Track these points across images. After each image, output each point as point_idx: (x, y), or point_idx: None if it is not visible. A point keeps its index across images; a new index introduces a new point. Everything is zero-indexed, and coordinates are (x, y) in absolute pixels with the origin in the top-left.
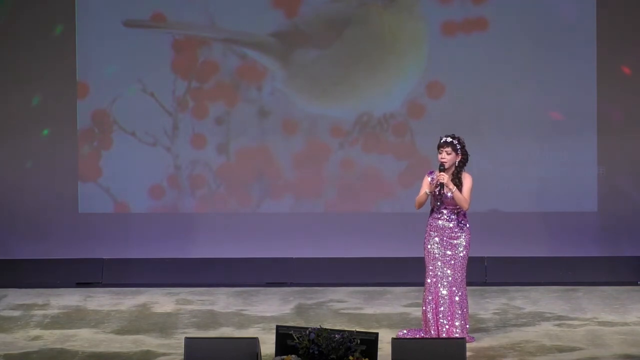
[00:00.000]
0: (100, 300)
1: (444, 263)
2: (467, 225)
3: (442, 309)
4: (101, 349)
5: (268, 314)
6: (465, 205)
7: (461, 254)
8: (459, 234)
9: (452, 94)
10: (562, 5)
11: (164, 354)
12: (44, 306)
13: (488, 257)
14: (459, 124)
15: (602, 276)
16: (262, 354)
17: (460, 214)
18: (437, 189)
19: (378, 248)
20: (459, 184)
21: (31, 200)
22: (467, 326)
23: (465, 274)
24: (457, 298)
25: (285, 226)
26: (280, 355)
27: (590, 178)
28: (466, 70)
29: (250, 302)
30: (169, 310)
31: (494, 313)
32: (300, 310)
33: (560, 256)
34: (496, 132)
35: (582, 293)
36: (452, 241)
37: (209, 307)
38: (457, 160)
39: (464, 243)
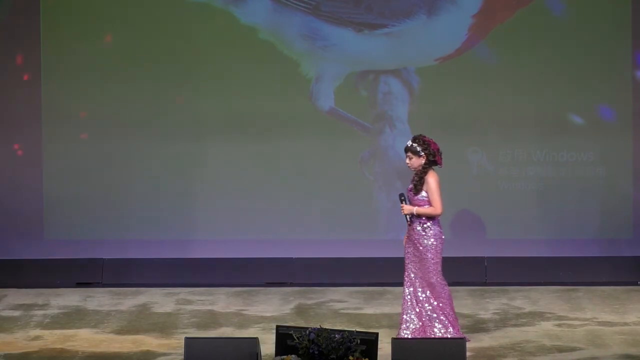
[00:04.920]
0: (100, 300)
1: (416, 268)
2: (433, 229)
3: (417, 310)
4: (101, 349)
5: (268, 314)
6: (433, 212)
7: (427, 257)
8: (424, 239)
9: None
10: (556, 5)
11: (164, 354)
12: (44, 306)
13: (488, 257)
14: (458, 124)
15: (602, 276)
16: (262, 354)
17: (424, 218)
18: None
19: (378, 248)
20: (419, 187)
21: (31, 200)
22: (456, 327)
23: (438, 277)
24: (434, 302)
25: (285, 226)
26: (280, 355)
27: (590, 178)
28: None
29: (250, 302)
30: (169, 310)
31: (494, 313)
32: (300, 310)
33: (560, 256)
34: (496, 132)
35: (582, 293)
36: (419, 247)
37: (209, 307)
38: (423, 162)
39: (430, 247)
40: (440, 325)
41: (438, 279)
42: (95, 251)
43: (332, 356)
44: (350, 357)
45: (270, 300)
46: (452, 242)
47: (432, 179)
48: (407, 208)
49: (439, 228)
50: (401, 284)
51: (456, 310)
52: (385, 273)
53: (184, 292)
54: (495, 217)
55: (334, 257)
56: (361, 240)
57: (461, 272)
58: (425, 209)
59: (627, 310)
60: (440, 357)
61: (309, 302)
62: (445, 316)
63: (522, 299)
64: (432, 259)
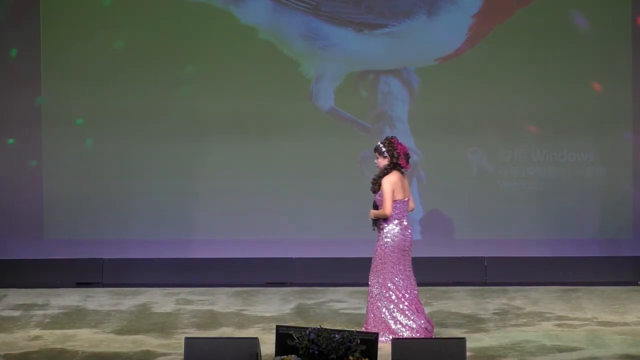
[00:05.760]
0: (100, 300)
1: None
2: (387, 230)
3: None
4: (101, 349)
5: (268, 314)
6: (381, 214)
7: (377, 255)
8: (378, 237)
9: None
10: (565, 7)
11: (164, 354)
12: (44, 306)
13: (488, 257)
14: (458, 124)
15: (602, 276)
16: (262, 354)
17: (380, 220)
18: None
19: None
20: (376, 187)
21: (31, 200)
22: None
23: (379, 275)
24: (377, 302)
25: (285, 226)
26: (280, 355)
27: (590, 178)
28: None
29: (250, 302)
30: (169, 310)
31: (494, 313)
32: (300, 310)
33: (560, 256)
34: (496, 132)
35: (582, 293)
36: (376, 246)
37: (209, 307)
38: (386, 163)
39: (380, 243)
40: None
41: (379, 280)
42: (95, 251)
43: (332, 356)
44: (350, 357)
45: (270, 300)
46: (452, 242)
47: (386, 181)
48: (371, 214)
49: (397, 229)
50: None
51: (457, 310)
52: None
53: (184, 292)
54: (495, 217)
55: (334, 257)
56: (361, 240)
57: (461, 272)
58: (377, 211)
59: (627, 310)
60: (440, 357)
61: (309, 302)
62: (372, 313)
63: (522, 299)
64: (381, 258)
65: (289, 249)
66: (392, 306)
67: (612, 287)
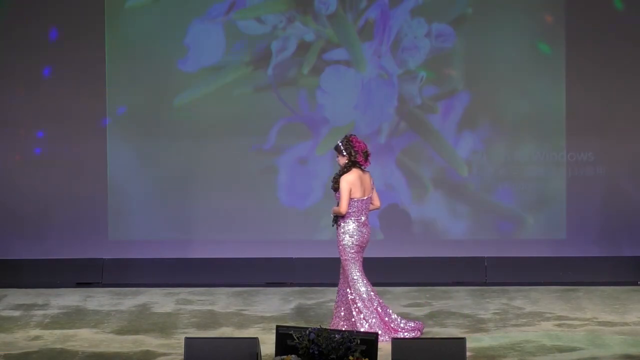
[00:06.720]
0: (100, 300)
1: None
2: (344, 228)
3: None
4: (101, 349)
5: (268, 314)
6: (337, 211)
7: (341, 255)
8: (339, 238)
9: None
10: (563, 6)
11: (164, 354)
12: (44, 306)
13: (488, 257)
14: (459, 123)
15: (602, 276)
16: (262, 354)
17: (339, 218)
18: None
19: (377, 248)
20: (336, 185)
21: (31, 200)
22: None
23: (346, 271)
24: (350, 296)
25: (285, 226)
26: (280, 355)
27: (590, 178)
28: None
29: (250, 302)
30: (169, 310)
31: (494, 313)
32: (300, 310)
33: (560, 256)
34: (496, 132)
35: (582, 293)
36: (338, 245)
37: (209, 307)
38: (345, 161)
39: (342, 246)
40: (354, 319)
41: (354, 277)
42: (95, 251)
43: (332, 356)
44: (350, 357)
45: (270, 300)
46: (452, 243)
47: (344, 179)
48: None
49: (354, 226)
50: (399, 284)
51: (457, 310)
52: (384, 273)
53: (184, 292)
54: (495, 217)
55: (334, 257)
56: None
57: (461, 272)
58: (335, 208)
59: (627, 310)
60: (440, 357)
61: (309, 302)
62: (358, 312)
63: (522, 299)
64: (343, 256)
65: (289, 249)
66: (360, 304)
67: (612, 287)
